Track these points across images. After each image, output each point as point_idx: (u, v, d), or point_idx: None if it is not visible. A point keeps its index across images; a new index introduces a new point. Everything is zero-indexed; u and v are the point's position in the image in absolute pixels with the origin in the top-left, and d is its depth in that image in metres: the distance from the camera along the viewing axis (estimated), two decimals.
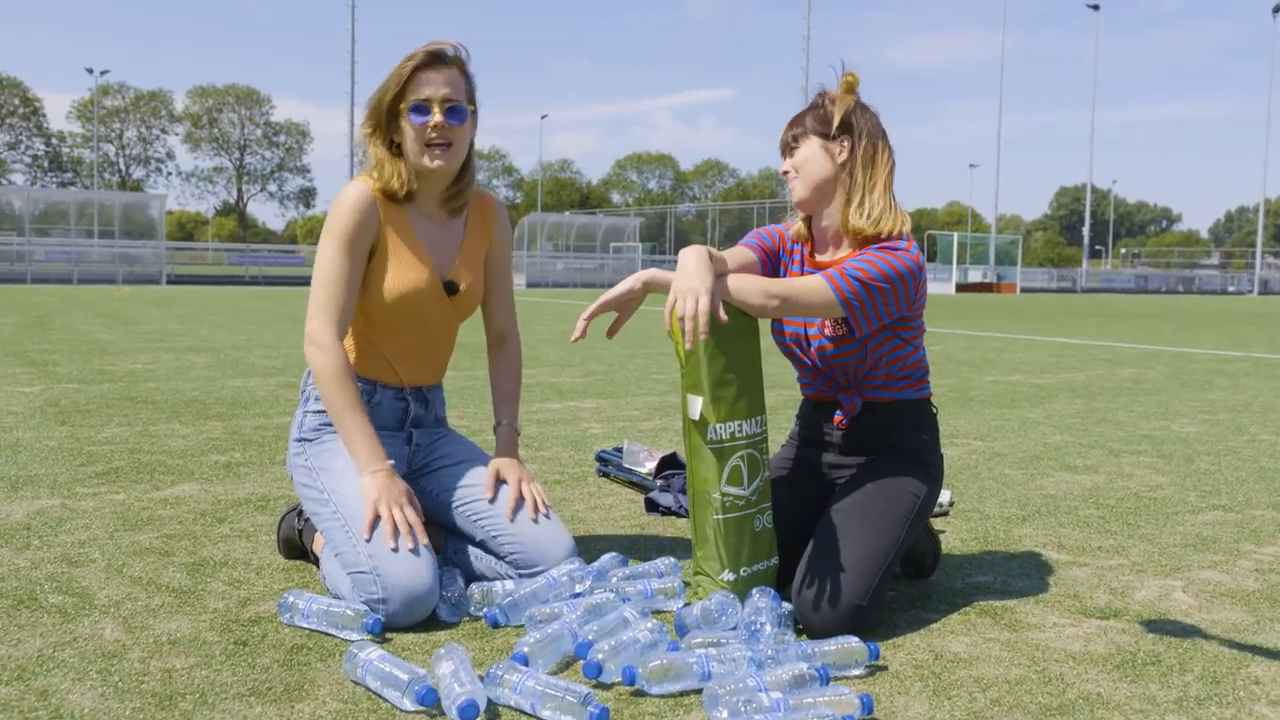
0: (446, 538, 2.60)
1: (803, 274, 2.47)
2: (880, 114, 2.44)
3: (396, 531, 2.24)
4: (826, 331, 2.40)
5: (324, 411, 2.47)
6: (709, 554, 2.26)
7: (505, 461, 2.55)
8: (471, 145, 2.54)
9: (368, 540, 2.23)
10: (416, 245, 2.49)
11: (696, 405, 2.26)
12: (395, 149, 2.47)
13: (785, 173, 2.46)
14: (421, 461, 2.62)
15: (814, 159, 2.40)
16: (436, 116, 2.40)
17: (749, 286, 2.24)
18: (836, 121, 2.37)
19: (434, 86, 2.40)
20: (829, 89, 2.44)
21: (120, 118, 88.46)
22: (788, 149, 2.45)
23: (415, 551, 2.22)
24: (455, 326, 2.64)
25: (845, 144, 2.38)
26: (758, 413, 2.33)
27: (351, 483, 2.34)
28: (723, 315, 2.16)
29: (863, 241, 2.35)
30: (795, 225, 2.51)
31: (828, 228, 2.43)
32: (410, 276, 2.47)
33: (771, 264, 2.50)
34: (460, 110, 2.43)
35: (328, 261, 2.40)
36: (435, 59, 2.43)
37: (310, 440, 2.48)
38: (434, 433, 2.67)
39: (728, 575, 2.24)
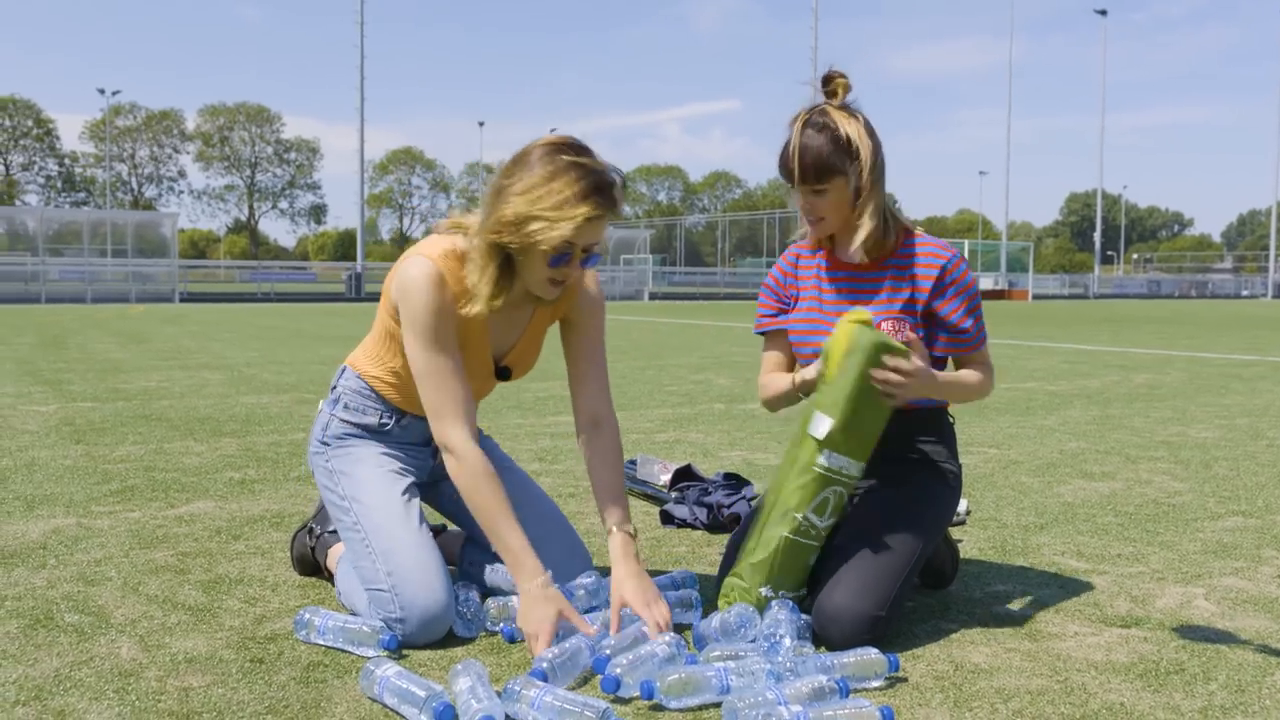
0: (463, 545, 2.59)
1: (822, 282, 2.42)
2: (878, 116, 2.34)
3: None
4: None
5: (349, 422, 2.42)
6: (761, 566, 2.20)
7: (631, 585, 2.18)
8: None
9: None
10: (481, 331, 2.30)
11: (824, 425, 2.17)
12: (506, 258, 2.18)
13: (804, 211, 2.31)
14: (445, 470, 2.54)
15: (845, 201, 2.29)
16: (573, 266, 2.17)
17: (954, 381, 2.34)
18: (866, 163, 2.24)
19: (590, 236, 2.14)
20: (826, 102, 2.31)
21: (132, 137, 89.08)
22: (811, 190, 2.28)
23: (435, 570, 2.20)
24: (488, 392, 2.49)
25: (859, 166, 2.26)
26: (864, 462, 2.24)
27: (374, 492, 2.31)
28: (909, 334, 2.21)
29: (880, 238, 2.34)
30: (805, 232, 2.44)
31: (847, 245, 2.37)
32: (467, 369, 2.28)
33: (785, 314, 2.49)
34: (597, 258, 2.22)
35: (427, 362, 2.19)
36: (610, 210, 2.13)
37: (330, 444, 2.43)
38: None
39: (766, 591, 2.20)
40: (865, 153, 2.24)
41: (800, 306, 2.47)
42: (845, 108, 2.29)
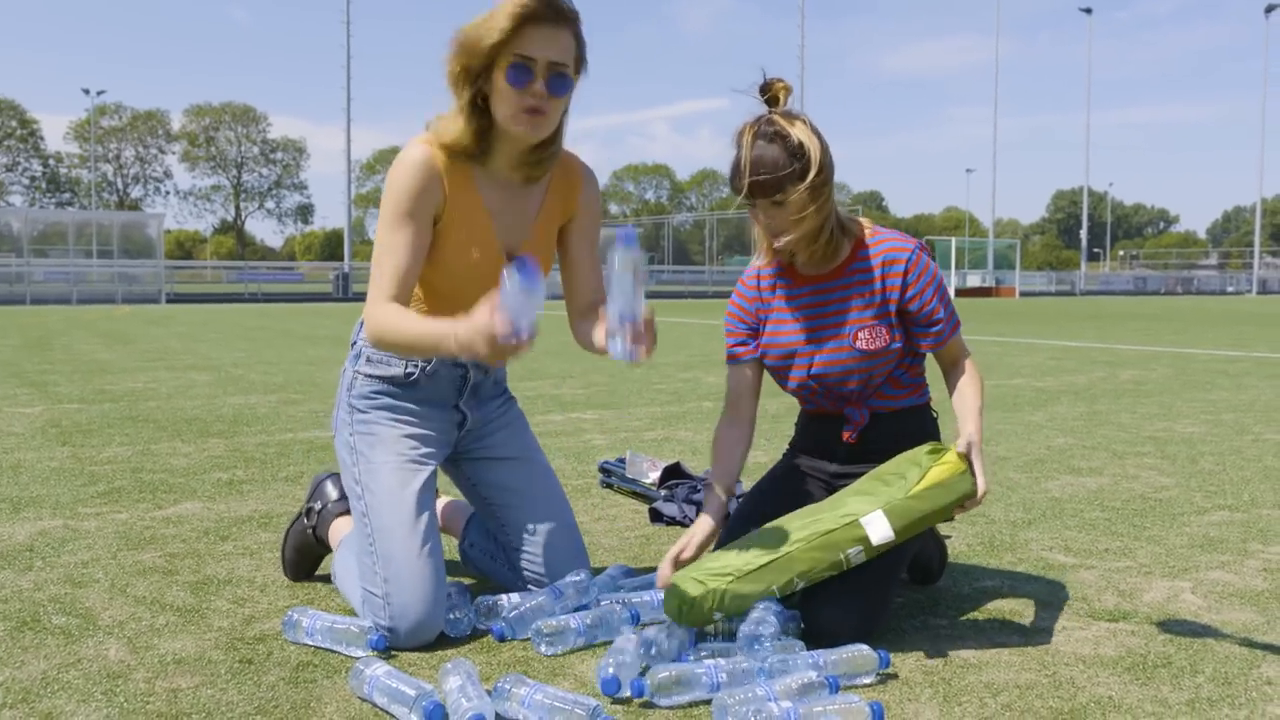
0: (467, 523, 2.58)
1: (789, 300, 2.37)
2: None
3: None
4: (863, 345, 2.30)
5: (375, 377, 2.33)
6: (735, 591, 2.10)
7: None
8: (565, 113, 2.26)
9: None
10: (483, 217, 2.26)
11: (883, 533, 2.10)
12: (480, 101, 2.18)
13: (763, 225, 2.23)
14: (468, 446, 2.48)
15: (807, 212, 2.19)
16: (538, 84, 2.12)
17: (979, 404, 2.30)
18: (816, 168, 2.16)
19: (542, 45, 2.10)
20: (769, 111, 2.22)
21: (117, 138, 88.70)
22: (770, 203, 2.18)
23: (431, 581, 2.18)
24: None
25: (817, 178, 2.17)
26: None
27: (388, 486, 2.26)
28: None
29: (833, 253, 2.32)
30: (761, 252, 2.37)
31: (795, 255, 2.32)
32: (472, 254, 2.25)
33: (756, 339, 2.43)
34: (565, 81, 2.16)
35: (386, 235, 2.17)
36: (550, 10, 2.11)
37: (359, 410, 2.34)
38: (491, 409, 2.49)
39: (717, 614, 2.11)
40: (815, 155, 2.17)
41: (770, 329, 2.41)
42: (788, 113, 2.22)
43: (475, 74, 2.15)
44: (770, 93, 2.24)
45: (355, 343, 2.42)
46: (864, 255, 2.32)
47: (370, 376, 2.35)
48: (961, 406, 2.31)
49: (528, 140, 2.21)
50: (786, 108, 2.24)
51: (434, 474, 2.36)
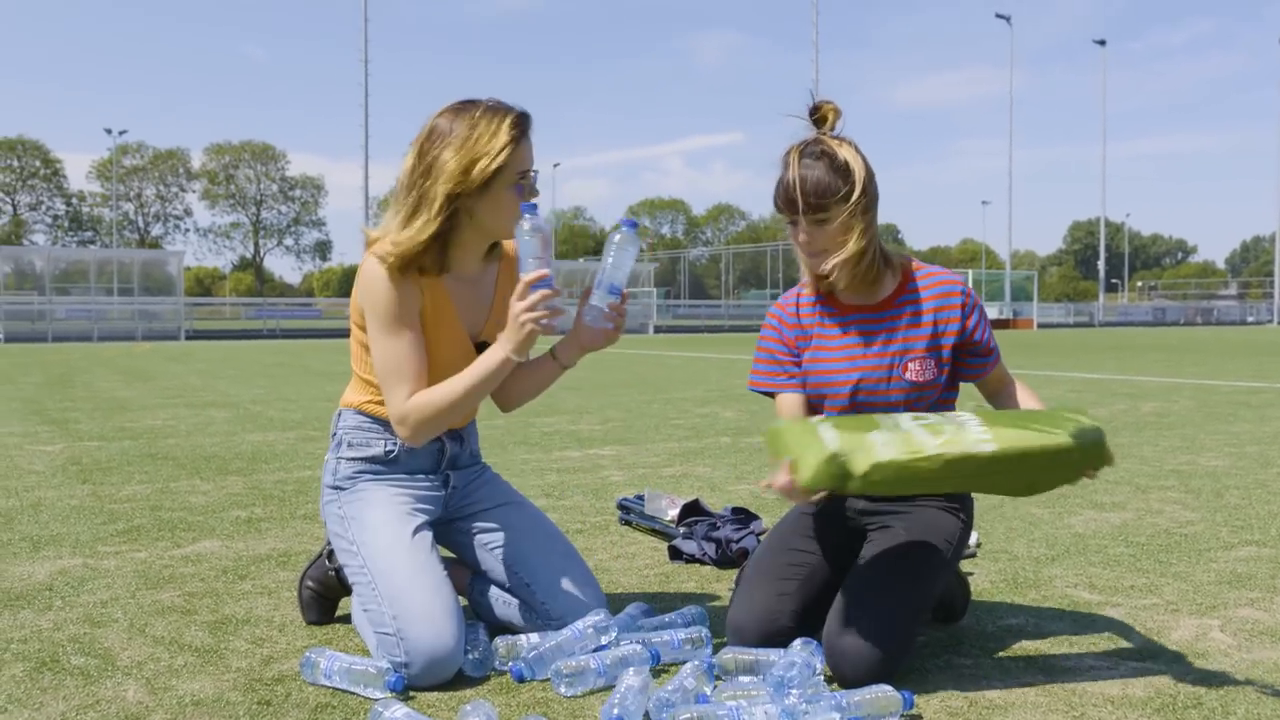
0: (471, 578, 2.58)
1: (832, 326, 2.36)
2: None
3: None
4: (912, 376, 2.30)
5: (357, 459, 2.44)
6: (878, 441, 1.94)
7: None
8: None
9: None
10: (451, 313, 2.38)
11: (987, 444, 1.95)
12: (448, 220, 2.29)
13: (804, 244, 2.25)
14: (458, 504, 2.56)
15: (851, 234, 2.23)
16: (530, 193, 2.32)
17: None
18: (860, 188, 2.20)
19: (530, 156, 2.31)
20: (817, 133, 2.27)
21: (139, 176, 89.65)
22: (814, 220, 2.22)
23: (442, 612, 2.18)
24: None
25: (862, 199, 2.23)
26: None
27: (381, 537, 2.31)
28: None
29: (875, 281, 2.34)
30: (806, 280, 2.40)
31: (838, 280, 2.31)
32: (446, 350, 2.37)
33: (794, 370, 2.42)
34: (534, 190, 2.35)
35: (387, 343, 2.28)
36: (530, 124, 2.32)
37: (344, 489, 2.44)
38: (470, 473, 2.60)
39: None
40: (861, 175, 2.21)
41: (813, 355, 2.39)
42: (837, 136, 2.27)
43: (464, 195, 2.27)
44: (819, 114, 2.29)
45: (335, 433, 2.50)
46: (913, 288, 2.35)
47: (352, 460, 2.45)
48: (1032, 401, 2.40)
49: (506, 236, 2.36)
50: (835, 131, 2.28)
51: (429, 524, 2.41)
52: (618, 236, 2.26)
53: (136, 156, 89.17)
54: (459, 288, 2.41)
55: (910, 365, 2.31)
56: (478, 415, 2.65)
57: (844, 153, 2.22)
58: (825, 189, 2.19)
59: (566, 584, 2.40)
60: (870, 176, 2.25)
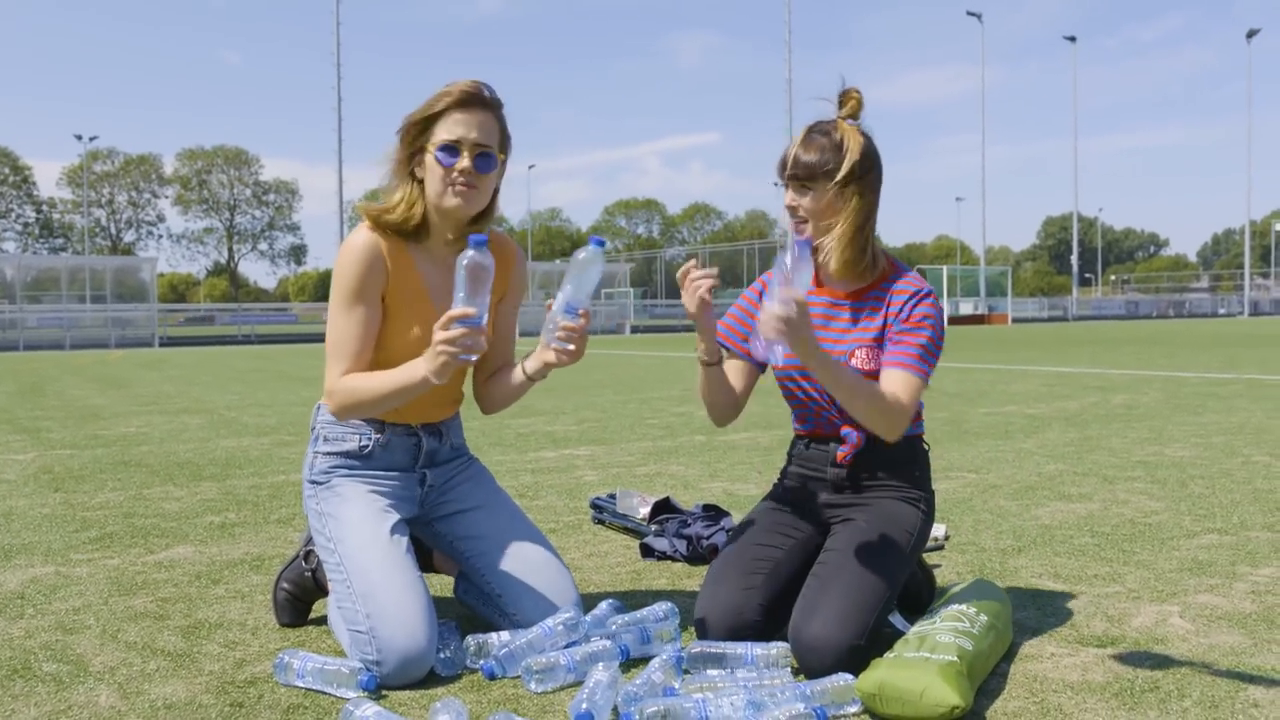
0: (457, 575, 2.61)
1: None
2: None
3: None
4: (858, 364, 2.36)
5: (333, 454, 2.46)
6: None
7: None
8: (496, 191, 2.47)
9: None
10: (421, 294, 2.42)
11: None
12: (419, 183, 2.40)
13: (793, 208, 2.38)
14: (435, 502, 2.56)
15: (829, 207, 2.35)
16: (464, 161, 2.33)
17: (856, 384, 2.23)
18: (848, 168, 2.30)
19: (466, 128, 2.33)
20: (837, 117, 2.37)
21: (110, 182, 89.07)
22: (799, 186, 2.36)
23: (415, 612, 2.20)
24: (465, 367, 2.53)
25: (857, 187, 2.33)
26: None
27: (358, 534, 2.33)
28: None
29: (860, 273, 2.39)
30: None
31: (828, 259, 2.40)
32: (413, 330, 2.40)
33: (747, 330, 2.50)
34: (490, 159, 2.37)
35: (339, 317, 2.36)
36: (472, 100, 2.35)
37: (321, 484, 2.46)
38: (451, 469, 2.60)
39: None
40: (852, 158, 2.31)
41: None
42: (852, 123, 2.37)
43: (413, 156, 2.38)
44: (843, 98, 2.40)
45: (314, 427, 2.53)
46: (885, 286, 2.41)
47: (328, 454, 2.47)
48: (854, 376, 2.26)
49: (461, 214, 2.39)
50: (853, 118, 2.38)
51: (404, 523, 2.43)
52: (581, 255, 2.27)
53: (107, 162, 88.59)
54: (436, 273, 2.44)
55: (857, 353, 2.38)
56: (461, 411, 2.67)
57: (848, 136, 2.34)
58: (814, 161, 2.32)
59: (534, 594, 2.42)
60: (868, 164, 2.35)
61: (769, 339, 2.08)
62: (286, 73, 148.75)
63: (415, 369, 2.26)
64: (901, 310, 2.37)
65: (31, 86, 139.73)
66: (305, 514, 2.51)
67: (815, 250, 2.39)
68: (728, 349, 2.54)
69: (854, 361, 2.37)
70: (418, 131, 2.36)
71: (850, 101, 2.39)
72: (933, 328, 2.35)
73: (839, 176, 2.32)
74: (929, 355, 2.33)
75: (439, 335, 2.17)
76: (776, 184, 2.43)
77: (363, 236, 2.37)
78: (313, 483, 2.48)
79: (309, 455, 2.51)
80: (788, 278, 2.10)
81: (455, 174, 2.33)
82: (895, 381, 2.29)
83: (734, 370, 2.52)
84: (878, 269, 2.42)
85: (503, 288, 2.57)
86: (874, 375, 2.36)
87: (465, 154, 2.33)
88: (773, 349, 2.14)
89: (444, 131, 2.33)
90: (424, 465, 2.54)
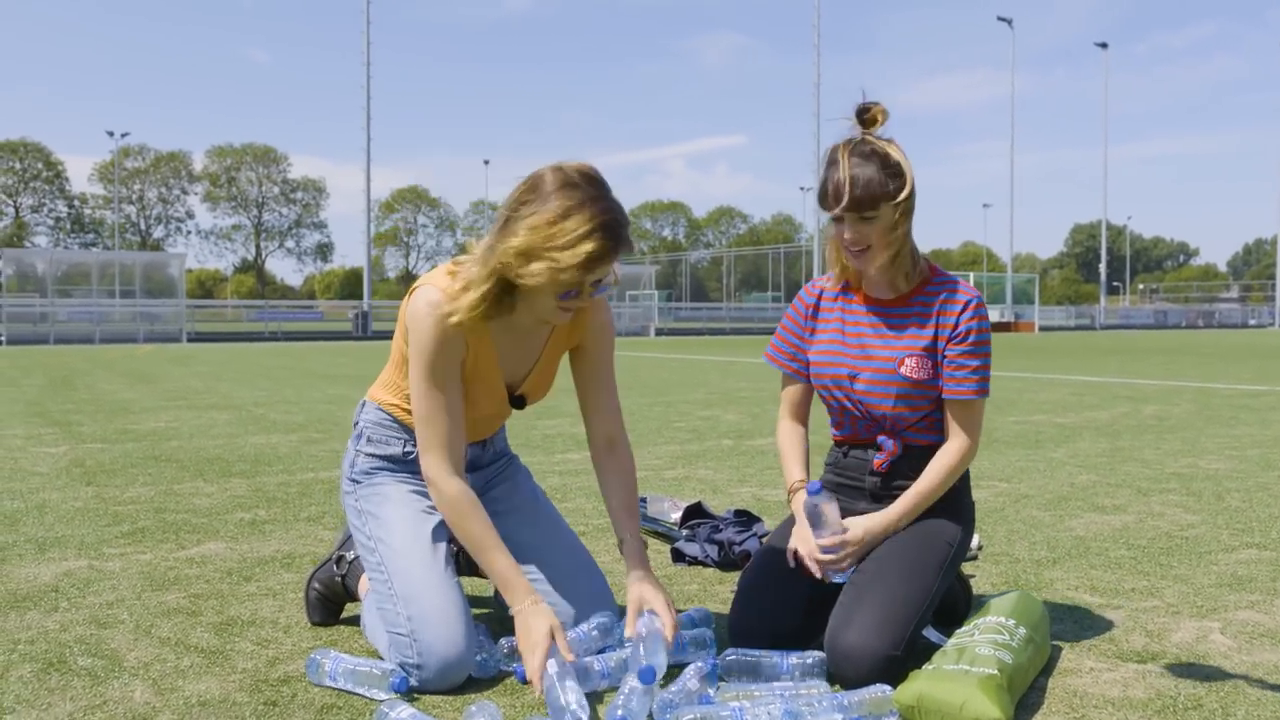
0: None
1: (846, 314, 2.44)
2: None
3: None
4: (908, 372, 2.33)
5: (375, 455, 2.44)
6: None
7: (648, 588, 2.26)
8: None
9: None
10: (491, 362, 2.32)
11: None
12: (505, 281, 2.16)
13: (855, 241, 2.26)
14: None
15: (896, 232, 2.27)
16: (583, 299, 2.18)
17: (927, 491, 2.35)
18: (909, 187, 2.25)
19: (595, 274, 2.12)
20: (864, 132, 2.30)
21: (141, 179, 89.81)
22: (860, 217, 2.24)
23: (457, 616, 2.19)
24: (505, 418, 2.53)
25: (909, 200, 2.27)
26: None
27: (399, 534, 2.31)
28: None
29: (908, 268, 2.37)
30: (834, 274, 2.46)
31: (880, 277, 2.38)
32: (480, 397, 2.34)
33: (803, 358, 2.51)
34: (607, 287, 2.21)
35: (423, 393, 2.22)
36: (617, 250, 2.11)
37: (360, 481, 2.44)
38: (491, 471, 2.58)
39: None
40: (910, 176, 2.27)
41: (821, 340, 2.48)
42: (881, 137, 2.30)
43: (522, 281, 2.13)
44: (869, 115, 2.31)
45: (358, 423, 2.50)
46: (930, 290, 2.38)
47: (371, 455, 2.45)
48: (909, 491, 2.36)
49: (556, 322, 2.27)
50: (879, 132, 2.30)
51: (444, 525, 2.39)
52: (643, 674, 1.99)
53: (138, 159, 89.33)
54: (506, 338, 2.33)
55: (907, 361, 2.34)
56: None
57: (894, 152, 2.27)
58: (877, 188, 2.22)
59: (570, 598, 2.40)
60: (913, 178, 2.30)
61: (839, 574, 2.28)
62: (314, 72, 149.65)
63: (510, 592, 2.20)
64: (957, 325, 2.34)
65: (64, 84, 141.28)
66: (343, 510, 2.50)
67: (857, 266, 2.36)
68: (785, 372, 2.56)
69: (903, 369, 2.34)
70: (546, 275, 2.09)
71: (879, 117, 2.30)
72: (988, 343, 2.37)
73: (902, 197, 2.25)
74: (986, 370, 2.36)
75: (530, 662, 2.07)
76: (832, 217, 2.28)
77: (435, 309, 2.19)
78: (353, 480, 2.46)
79: (350, 452, 2.50)
80: (825, 525, 2.24)
81: (570, 304, 2.18)
82: (960, 415, 2.35)
83: (793, 392, 2.57)
84: (919, 270, 2.40)
85: (577, 335, 2.43)
86: (923, 385, 2.34)
87: (585, 292, 2.16)
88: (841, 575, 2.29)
89: (572, 280, 2.11)
90: (466, 470, 2.52)
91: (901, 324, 2.38)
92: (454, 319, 2.17)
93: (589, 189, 2.10)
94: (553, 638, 2.11)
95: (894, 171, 2.24)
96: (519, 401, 2.43)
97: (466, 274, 2.18)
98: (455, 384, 2.26)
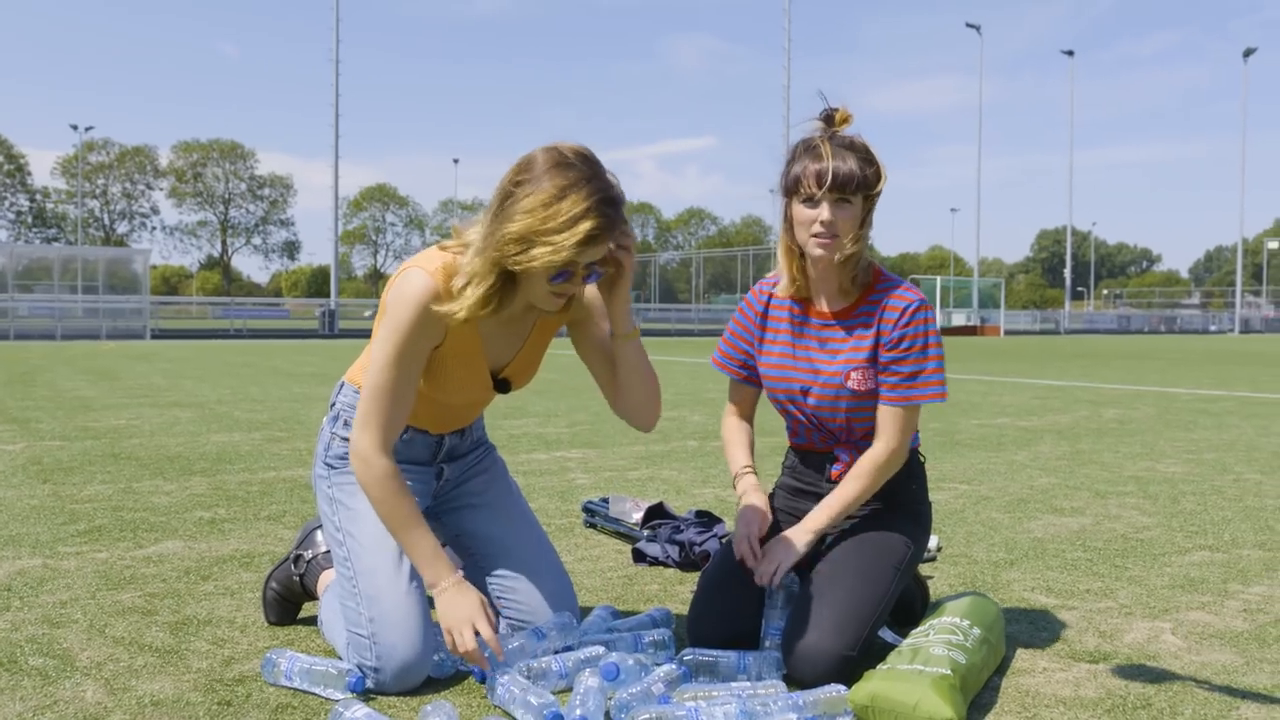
0: (460, 568, 2.58)
1: (794, 326, 2.42)
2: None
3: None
4: (854, 385, 2.33)
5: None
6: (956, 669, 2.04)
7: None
8: None
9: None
10: (475, 346, 2.27)
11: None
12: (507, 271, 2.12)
13: (825, 225, 2.23)
14: (448, 495, 2.53)
15: (864, 226, 2.30)
16: (575, 283, 2.13)
17: (850, 497, 2.35)
18: (884, 175, 2.27)
19: (590, 255, 2.07)
20: (823, 135, 2.29)
21: (105, 173, 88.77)
22: (839, 199, 2.23)
23: (417, 621, 2.17)
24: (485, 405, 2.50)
25: (878, 190, 2.29)
26: None
27: (369, 530, 2.27)
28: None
29: (854, 287, 2.36)
30: (783, 282, 2.41)
31: (828, 274, 2.35)
32: (461, 378, 2.29)
33: (752, 364, 2.51)
34: (600, 273, 2.16)
35: (381, 370, 2.15)
36: (614, 228, 2.07)
37: (336, 467, 2.38)
38: (468, 461, 2.56)
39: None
40: (883, 172, 2.28)
41: (771, 354, 2.46)
42: (849, 135, 2.31)
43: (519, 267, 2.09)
44: (835, 118, 2.32)
45: (334, 404, 2.44)
46: (873, 298, 2.35)
47: (346, 439, 2.37)
48: (830, 495, 2.37)
49: (550, 309, 2.22)
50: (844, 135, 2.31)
51: None
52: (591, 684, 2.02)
53: (102, 153, 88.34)
54: (494, 325, 2.28)
55: (852, 375, 2.33)
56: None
57: (870, 147, 2.29)
58: (856, 175, 2.23)
59: (533, 597, 2.40)
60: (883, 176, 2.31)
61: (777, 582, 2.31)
62: (283, 67, 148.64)
63: (428, 569, 2.16)
64: (892, 331, 2.31)
65: (27, 75, 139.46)
66: (314, 493, 2.45)
67: (807, 284, 2.37)
68: (729, 375, 2.57)
69: (850, 383, 2.33)
70: (542, 259, 2.04)
71: (845, 119, 2.31)
72: (923, 348, 2.31)
73: (877, 189, 2.28)
74: (922, 376, 2.31)
75: (459, 636, 2.08)
76: (804, 201, 2.26)
77: (424, 293, 2.13)
78: (328, 465, 2.40)
79: (325, 434, 2.43)
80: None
81: (563, 288, 2.14)
82: (885, 419, 2.33)
83: (741, 395, 2.59)
84: (866, 278, 2.37)
85: (565, 315, 2.37)
86: (869, 396, 2.34)
87: (578, 275, 2.12)
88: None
89: (570, 261, 2.06)
90: (443, 460, 2.50)
91: (845, 336, 2.36)
92: (459, 315, 2.11)
93: (583, 167, 2.06)
94: (483, 612, 2.11)
95: (871, 163, 2.26)
96: (503, 385, 2.38)
97: (467, 267, 2.12)
98: (417, 370, 2.20)
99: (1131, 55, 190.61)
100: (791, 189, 2.29)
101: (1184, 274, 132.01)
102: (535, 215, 2.01)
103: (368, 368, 2.20)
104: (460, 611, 2.11)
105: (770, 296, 2.49)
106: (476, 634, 2.10)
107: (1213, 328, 62.87)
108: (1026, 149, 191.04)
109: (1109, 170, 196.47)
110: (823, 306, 2.40)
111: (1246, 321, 61.95)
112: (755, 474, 2.51)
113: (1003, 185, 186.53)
